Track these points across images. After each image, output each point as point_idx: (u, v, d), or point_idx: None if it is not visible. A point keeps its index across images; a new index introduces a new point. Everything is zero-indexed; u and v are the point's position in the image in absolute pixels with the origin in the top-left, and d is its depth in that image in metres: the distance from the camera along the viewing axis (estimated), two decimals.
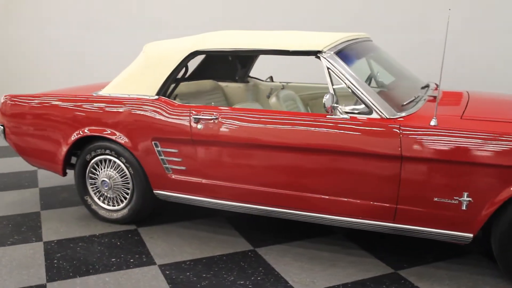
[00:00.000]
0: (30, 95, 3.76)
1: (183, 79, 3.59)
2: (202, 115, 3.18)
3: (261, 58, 4.57)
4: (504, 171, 2.61)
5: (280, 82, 4.49)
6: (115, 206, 3.61)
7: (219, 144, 3.17)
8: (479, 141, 2.64)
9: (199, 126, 3.18)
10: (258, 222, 3.63)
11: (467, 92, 3.61)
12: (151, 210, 3.63)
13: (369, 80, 3.45)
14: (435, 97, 3.35)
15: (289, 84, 4.44)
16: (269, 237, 3.42)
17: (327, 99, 2.85)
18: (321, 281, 2.85)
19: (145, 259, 3.12)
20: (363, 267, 3.02)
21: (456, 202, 2.73)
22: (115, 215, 3.61)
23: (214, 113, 3.16)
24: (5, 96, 3.84)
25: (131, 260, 3.11)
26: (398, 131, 2.77)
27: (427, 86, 3.67)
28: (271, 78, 4.62)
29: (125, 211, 3.58)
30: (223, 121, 3.13)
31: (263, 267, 3.02)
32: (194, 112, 3.21)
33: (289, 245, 3.30)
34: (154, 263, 3.06)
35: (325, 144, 2.90)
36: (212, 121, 3.16)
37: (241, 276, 2.91)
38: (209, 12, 6.44)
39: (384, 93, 3.17)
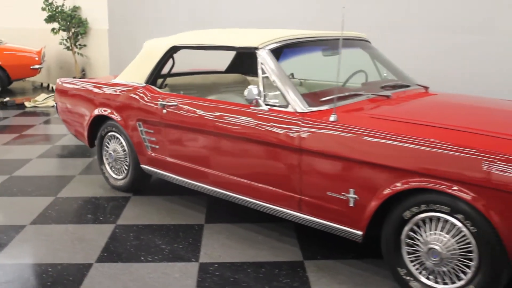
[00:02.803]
0: (72, 79, 4.63)
1: (170, 73, 4.11)
2: (167, 102, 3.65)
3: None
4: (385, 171, 2.60)
5: (299, 79, 4.70)
6: (119, 175, 4.28)
7: (176, 127, 3.61)
8: (367, 139, 2.65)
9: (164, 111, 3.66)
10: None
11: (440, 94, 3.49)
12: (144, 182, 4.21)
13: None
14: (388, 96, 3.31)
15: (306, 81, 4.62)
16: (229, 216, 3.73)
17: (248, 92, 3.10)
18: (226, 257, 3.12)
19: (111, 219, 3.71)
20: (279, 252, 3.19)
21: (345, 198, 2.77)
22: (118, 183, 4.28)
23: (175, 101, 3.61)
24: (58, 80, 4.79)
25: (101, 218, 3.73)
26: (300, 124, 2.90)
27: (403, 86, 3.61)
28: (292, 74, 4.83)
29: (125, 180, 4.22)
30: (181, 107, 3.56)
31: (193, 239, 3.38)
32: (162, 99, 3.69)
33: (238, 225, 3.58)
34: (114, 223, 3.64)
35: (245, 132, 3.15)
36: (172, 107, 3.61)
37: (168, 243, 3.33)
38: None
39: (321, 90, 3.28)
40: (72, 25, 9.71)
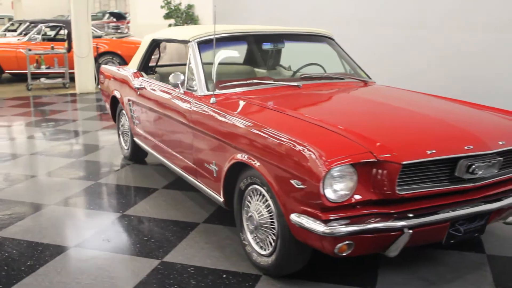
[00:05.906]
0: (108, 66, 5.65)
1: (157, 64, 4.86)
2: (140, 85, 4.40)
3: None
4: (227, 146, 3.02)
5: (293, 71, 5.08)
6: (126, 146, 5.18)
7: (142, 106, 4.35)
8: (219, 118, 3.11)
9: (138, 92, 4.42)
10: None
11: (368, 89, 3.74)
12: (139, 153, 5.02)
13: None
14: (298, 86, 3.63)
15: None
16: (185, 184, 4.34)
17: (172, 77, 3.69)
18: (147, 213, 3.78)
19: (96, 178, 4.60)
20: (191, 215, 3.73)
21: (211, 168, 3.24)
22: (125, 152, 5.18)
23: (145, 84, 4.35)
24: (101, 66, 5.86)
25: (90, 177, 4.64)
26: (192, 104, 3.43)
27: (335, 78, 3.87)
28: (289, 67, 5.22)
29: (128, 150, 5.10)
30: (145, 89, 4.29)
31: (138, 198, 4.09)
32: (139, 82, 4.46)
33: (183, 193, 4.19)
34: (95, 181, 4.52)
35: (169, 110, 3.78)
36: (142, 89, 4.35)
37: (116, 198, 4.12)
38: None
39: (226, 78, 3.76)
40: (185, 21, 11.00)
